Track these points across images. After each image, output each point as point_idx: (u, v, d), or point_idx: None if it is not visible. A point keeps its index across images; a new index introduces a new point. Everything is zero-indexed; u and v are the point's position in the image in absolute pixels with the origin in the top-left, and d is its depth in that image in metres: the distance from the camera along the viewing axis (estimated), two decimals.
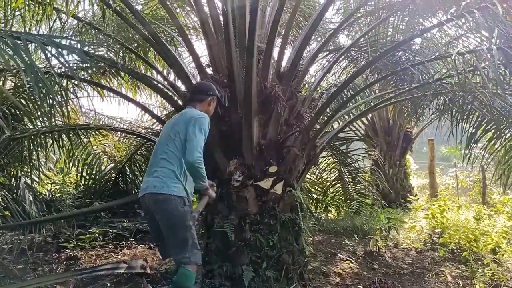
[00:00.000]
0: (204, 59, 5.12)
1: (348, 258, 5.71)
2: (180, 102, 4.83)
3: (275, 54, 4.79)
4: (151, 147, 7.31)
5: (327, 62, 6.92)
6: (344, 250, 6.15)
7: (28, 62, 2.30)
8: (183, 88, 4.94)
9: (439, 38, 6.51)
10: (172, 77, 6.61)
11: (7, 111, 6.43)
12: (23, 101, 6.77)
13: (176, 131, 3.36)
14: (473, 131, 5.13)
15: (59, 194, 7.15)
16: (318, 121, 5.01)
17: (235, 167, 4.24)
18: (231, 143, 4.35)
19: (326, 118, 5.12)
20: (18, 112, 6.83)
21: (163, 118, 6.53)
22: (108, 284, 4.08)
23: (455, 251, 6.07)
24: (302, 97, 4.81)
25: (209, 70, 4.80)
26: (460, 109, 5.30)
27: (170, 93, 5.09)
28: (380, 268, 5.41)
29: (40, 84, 5.09)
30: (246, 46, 3.90)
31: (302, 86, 5.03)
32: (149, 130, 7.74)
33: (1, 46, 2.22)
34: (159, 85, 5.01)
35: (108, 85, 6.38)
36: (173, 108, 5.06)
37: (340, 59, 6.47)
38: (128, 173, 7.50)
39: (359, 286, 4.66)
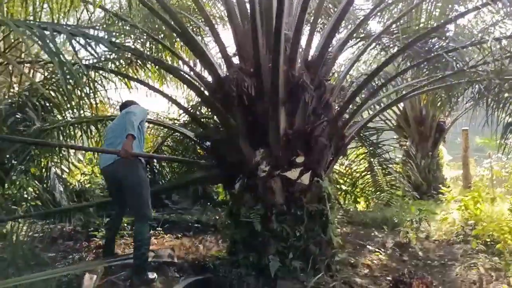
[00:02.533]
0: (231, 49, 5.09)
1: (377, 250, 5.60)
2: (206, 93, 4.80)
3: (303, 42, 4.71)
4: (177, 138, 7.34)
5: (357, 50, 6.77)
6: (373, 242, 6.03)
7: (55, 52, 2.29)
8: (209, 78, 4.91)
9: (474, 24, 6.28)
10: (198, 67, 6.59)
11: (37, 103, 6.55)
12: (52, 93, 6.89)
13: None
14: (510, 120, 4.92)
15: (89, 185, 7.26)
16: (347, 111, 4.91)
17: (262, 157, 4.21)
18: (257, 134, 4.31)
19: (356, 108, 5.00)
20: (48, 104, 6.95)
21: (189, 109, 6.54)
22: None
23: (489, 243, 5.86)
24: (330, 86, 4.70)
25: (236, 60, 4.77)
26: (496, 97, 5.10)
27: (196, 84, 5.08)
28: (410, 260, 5.29)
29: (68, 76, 5.18)
30: (273, 33, 3.82)
31: (331, 74, 4.92)
32: (176, 121, 7.74)
33: (29, 35, 2.21)
34: (186, 76, 4.99)
35: (135, 77, 6.40)
36: (199, 99, 5.03)
37: (371, 47, 6.30)
38: (155, 163, 7.53)
39: (388, 278, 4.56)
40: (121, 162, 4.02)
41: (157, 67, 7.02)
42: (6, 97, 6.76)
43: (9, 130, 6.26)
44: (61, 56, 2.24)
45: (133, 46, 5.68)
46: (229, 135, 4.28)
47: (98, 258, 4.59)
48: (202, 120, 5.76)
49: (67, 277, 3.72)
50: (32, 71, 7.45)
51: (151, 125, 8.09)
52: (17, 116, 6.38)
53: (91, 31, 3.35)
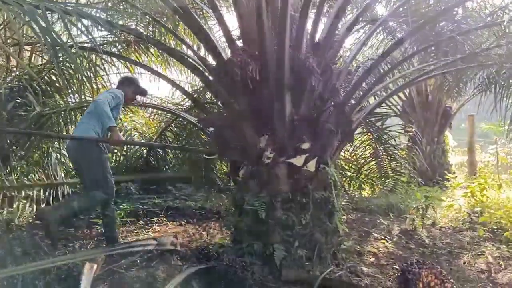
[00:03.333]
0: (235, 33, 4.94)
1: (383, 237, 5.53)
2: (210, 77, 4.66)
3: (309, 25, 4.54)
4: (181, 123, 7.23)
5: (363, 34, 6.60)
6: (379, 229, 5.95)
7: (47, 31, 2.16)
8: (213, 62, 4.77)
9: (483, 7, 6.09)
10: (202, 52, 6.45)
11: (38, 88, 6.45)
12: (53, 77, 6.78)
13: None
14: None
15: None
16: (354, 96, 4.77)
17: (266, 143, 4.09)
18: (262, 119, 4.18)
19: (362, 93, 4.86)
20: (49, 88, 6.85)
21: (193, 94, 6.40)
22: (138, 261, 4.03)
23: (496, 231, 5.80)
24: (337, 70, 4.56)
25: (240, 44, 4.62)
26: (506, 82, 4.95)
27: (200, 68, 4.94)
28: (416, 248, 5.22)
29: (65, 58, 5.02)
30: (279, 14, 3.67)
31: (337, 59, 4.77)
32: (179, 106, 7.63)
33: (18, 13, 2.08)
34: (189, 59, 4.83)
35: (137, 61, 6.27)
36: (203, 84, 4.89)
37: (378, 30, 6.13)
38: (158, 149, 7.45)
39: (395, 266, 4.49)
40: (77, 142, 4.34)
41: (160, 51, 6.89)
42: (7, 80, 6.65)
43: (9, 115, 6.18)
44: (54, 36, 2.10)
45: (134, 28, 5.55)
46: (232, 121, 4.16)
47: (99, 246, 4.53)
48: (205, 105, 5.64)
49: (67, 266, 3.65)
50: (33, 54, 7.32)
51: (154, 110, 8.00)
52: (18, 100, 6.29)
53: (88, 11, 3.21)
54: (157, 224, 5.63)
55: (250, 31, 4.31)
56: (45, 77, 6.73)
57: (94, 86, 6.29)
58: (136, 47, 6.96)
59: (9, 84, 6.58)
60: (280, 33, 3.74)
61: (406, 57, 5.49)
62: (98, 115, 4.23)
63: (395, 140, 8.21)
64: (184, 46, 6.40)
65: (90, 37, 2.80)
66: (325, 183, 4.25)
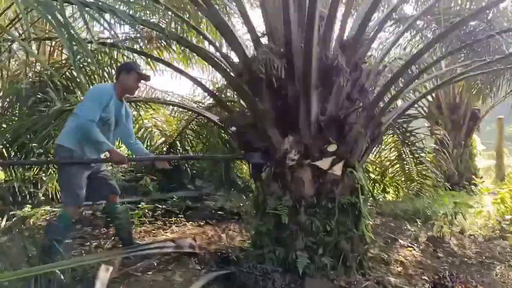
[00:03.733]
0: (260, 29, 4.75)
1: (409, 245, 5.30)
2: (232, 74, 4.49)
3: (337, 23, 4.35)
4: (202, 121, 7.09)
5: (392, 34, 6.38)
6: (405, 236, 5.72)
7: (63, 25, 2.01)
8: (236, 59, 4.60)
9: None
10: (224, 49, 6.31)
11: (59, 83, 6.39)
12: (75, 73, 6.71)
13: None
14: None
15: (110, 168, 7.08)
16: (383, 97, 4.55)
17: (291, 145, 3.90)
18: (287, 119, 3.99)
19: (392, 95, 4.63)
20: (71, 84, 6.79)
21: (214, 92, 6.23)
22: (155, 264, 3.90)
23: None
24: (367, 70, 4.35)
25: (265, 41, 4.45)
26: None
27: (222, 65, 4.78)
28: (445, 257, 4.98)
29: (84, 54, 4.89)
30: (307, 9, 3.48)
31: (367, 57, 4.55)
32: (200, 104, 7.49)
33: (33, 4, 1.94)
34: (211, 56, 4.66)
35: (159, 57, 6.15)
36: (224, 81, 4.72)
37: (408, 31, 5.89)
38: (178, 147, 7.34)
39: (424, 277, 4.26)
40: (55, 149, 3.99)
41: (182, 48, 6.76)
42: (28, 75, 6.61)
43: (29, 111, 6.13)
44: (71, 30, 1.95)
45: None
46: (256, 120, 3.97)
47: (116, 246, 4.41)
48: (227, 103, 5.48)
49: (82, 268, 3.53)
50: (53, 49, 7.27)
51: (175, 108, 7.89)
52: (38, 95, 6.24)
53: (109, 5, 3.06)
54: (175, 225, 5.50)
55: (276, 27, 4.15)
56: (67, 73, 6.68)
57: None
58: (158, 44, 6.87)
59: (30, 79, 6.55)
60: (308, 30, 3.54)
61: (440, 57, 5.22)
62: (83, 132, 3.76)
63: (422, 143, 7.93)
64: (206, 43, 6.28)
65: (110, 30, 2.65)
66: (352, 188, 4.04)
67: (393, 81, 4.26)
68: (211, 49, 5.65)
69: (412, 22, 5.24)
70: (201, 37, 6.05)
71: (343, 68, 3.80)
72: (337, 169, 3.95)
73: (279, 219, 3.79)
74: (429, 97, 11.30)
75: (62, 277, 3.31)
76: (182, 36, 5.43)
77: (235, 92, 4.53)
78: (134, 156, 4.62)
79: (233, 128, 4.62)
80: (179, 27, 6.51)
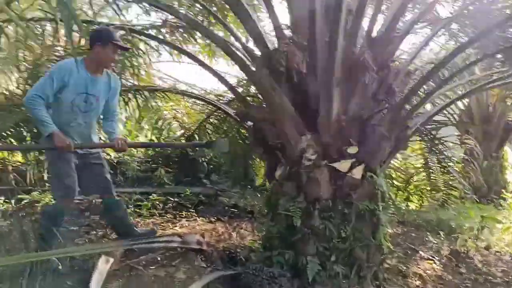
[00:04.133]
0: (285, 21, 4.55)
1: (430, 258, 5.01)
2: (253, 68, 4.29)
3: (366, 19, 4.09)
4: (221, 116, 6.94)
5: (422, 35, 6.09)
6: (427, 248, 5.41)
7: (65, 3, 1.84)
8: (256, 51, 4.41)
9: None
10: (251, 45, 6.16)
11: None
12: None
13: None
14: None
15: (127, 157, 6.99)
16: (411, 100, 4.29)
17: (308, 144, 3.67)
18: (305, 116, 3.78)
19: (423, 97, 4.35)
20: None
21: (234, 87, 6.05)
22: (159, 258, 3.74)
23: None
24: (395, 69, 4.09)
25: (289, 33, 4.24)
26: None
27: (244, 58, 4.59)
28: (468, 273, 4.67)
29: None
30: (334, 0, 3.25)
31: (396, 57, 4.29)
32: (221, 97, 7.34)
33: None
34: (228, 45, 4.42)
35: (180, 47, 6.00)
36: (244, 74, 4.51)
37: (439, 33, 5.58)
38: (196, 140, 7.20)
39: None
40: None
41: (207, 41, 6.62)
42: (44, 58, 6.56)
43: None
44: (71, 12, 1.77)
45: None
46: (273, 115, 3.77)
47: (122, 238, 4.28)
48: (246, 98, 5.30)
49: (82, 257, 3.42)
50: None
51: (196, 101, 7.77)
52: None
53: None
54: (185, 219, 5.34)
55: (301, 19, 3.92)
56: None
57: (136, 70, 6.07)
58: (183, 34, 6.76)
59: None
60: (334, 22, 3.31)
61: (474, 61, 4.90)
62: None
63: (451, 152, 7.60)
64: (232, 38, 6.11)
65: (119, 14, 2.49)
66: (372, 194, 3.79)
67: (422, 83, 3.99)
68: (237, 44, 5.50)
69: (446, 24, 4.96)
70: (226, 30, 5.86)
71: (370, 65, 3.56)
72: (357, 173, 3.71)
73: (291, 221, 3.58)
74: (461, 105, 10.87)
75: (59, 266, 3.20)
76: (198, 22, 5.19)
77: (253, 85, 4.31)
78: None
79: (250, 123, 4.44)
80: (205, 20, 6.36)
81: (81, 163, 3.61)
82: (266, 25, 6.22)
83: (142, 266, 3.55)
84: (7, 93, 7.30)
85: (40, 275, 2.94)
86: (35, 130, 5.08)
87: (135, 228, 4.13)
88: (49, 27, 5.96)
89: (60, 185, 3.45)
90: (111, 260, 3.33)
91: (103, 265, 3.22)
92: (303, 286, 3.51)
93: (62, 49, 7.23)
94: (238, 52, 4.32)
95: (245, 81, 6.88)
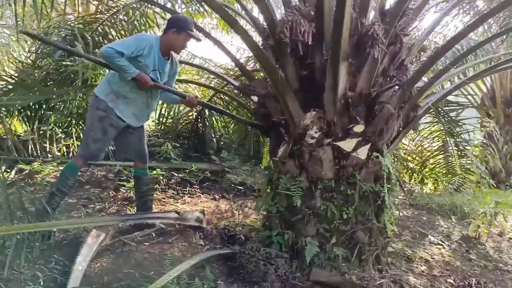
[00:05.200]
0: None
1: (440, 242, 4.83)
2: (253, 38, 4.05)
3: None
4: (231, 90, 6.78)
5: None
6: (437, 232, 5.24)
7: None
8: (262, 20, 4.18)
9: None
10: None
11: (89, 38, 6.22)
12: (106, 28, 6.55)
13: None
14: None
15: None
16: (424, 77, 4.04)
17: (312, 120, 3.48)
18: (310, 92, 3.59)
19: (436, 74, 4.08)
20: (102, 40, 6.63)
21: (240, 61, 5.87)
22: (154, 235, 3.65)
23: None
24: (408, 43, 3.85)
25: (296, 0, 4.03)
26: None
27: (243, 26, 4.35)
28: (478, 260, 4.48)
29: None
30: None
31: (410, 30, 4.02)
32: (231, 73, 7.16)
33: None
34: (230, 14, 4.15)
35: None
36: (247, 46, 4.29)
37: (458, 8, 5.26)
38: (206, 116, 7.07)
39: (449, 280, 3.82)
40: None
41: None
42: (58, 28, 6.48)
43: (55, 64, 6.02)
44: None
45: None
46: (276, 90, 3.58)
47: (120, 212, 4.20)
48: (253, 72, 5.10)
49: (76, 230, 3.34)
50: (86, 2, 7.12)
51: (210, 76, 7.63)
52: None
53: None
54: (188, 195, 5.23)
55: None
56: (99, 28, 6.51)
57: None
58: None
59: (61, 32, 6.43)
60: None
61: (491, 36, 4.56)
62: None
63: (468, 135, 7.31)
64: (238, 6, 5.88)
65: None
66: (377, 175, 3.61)
67: (435, 58, 3.72)
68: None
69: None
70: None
71: (379, 38, 3.33)
72: (362, 153, 3.54)
73: (291, 201, 3.45)
74: (483, 87, 10.47)
75: (50, 238, 3.13)
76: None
77: (256, 58, 4.08)
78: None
79: (255, 98, 4.27)
80: None
81: (125, 128, 3.74)
82: None
83: (135, 243, 3.46)
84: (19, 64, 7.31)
85: (27, 247, 2.87)
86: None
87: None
88: None
89: (85, 146, 3.63)
90: (103, 234, 3.24)
91: (93, 239, 3.13)
92: (301, 268, 3.38)
93: (73, 18, 7.17)
94: (240, 22, 4.10)
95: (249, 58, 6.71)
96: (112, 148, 5.47)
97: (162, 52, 3.65)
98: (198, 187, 5.52)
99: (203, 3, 5.62)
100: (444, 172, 7.59)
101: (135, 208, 4.05)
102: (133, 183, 4.17)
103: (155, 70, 3.63)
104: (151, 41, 3.57)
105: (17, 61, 7.69)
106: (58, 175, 3.77)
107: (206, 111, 7.02)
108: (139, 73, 3.46)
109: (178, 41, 3.64)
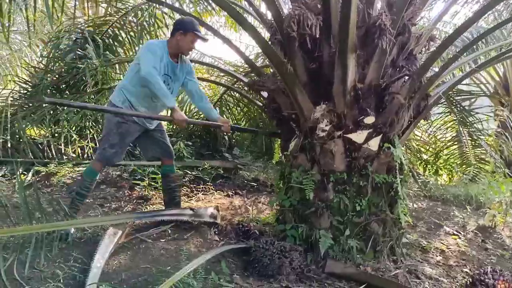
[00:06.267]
0: None
1: (455, 232, 4.81)
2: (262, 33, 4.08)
3: None
4: (243, 88, 6.80)
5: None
6: (452, 222, 5.21)
7: None
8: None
9: None
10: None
11: (100, 40, 6.30)
12: (116, 30, 6.62)
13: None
14: None
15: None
16: (434, 66, 4.02)
17: (322, 114, 3.49)
18: (319, 85, 3.61)
19: (445, 63, 4.06)
20: (113, 43, 6.70)
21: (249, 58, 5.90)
22: (169, 231, 3.69)
23: None
24: (416, 33, 3.84)
25: None
26: None
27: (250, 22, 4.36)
28: (494, 249, 4.46)
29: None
30: None
31: (418, 19, 4.01)
32: (241, 70, 7.17)
33: None
34: (237, 11, 4.17)
35: (200, 18, 5.87)
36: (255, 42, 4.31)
37: None
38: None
39: (465, 269, 3.81)
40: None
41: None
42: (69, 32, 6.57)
43: (67, 66, 6.11)
44: None
45: None
46: (285, 84, 3.59)
47: (136, 210, 4.26)
48: (262, 68, 5.11)
49: (93, 229, 3.40)
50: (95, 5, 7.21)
51: (221, 74, 7.66)
52: (78, 52, 6.21)
53: None
54: (202, 193, 5.27)
55: None
56: (108, 30, 6.58)
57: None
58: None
59: (72, 36, 6.51)
60: None
61: (499, 23, 4.49)
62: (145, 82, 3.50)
63: (482, 124, 7.24)
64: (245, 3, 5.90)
65: None
66: (389, 166, 3.63)
67: (444, 47, 3.70)
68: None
69: None
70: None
71: (387, 28, 3.32)
72: (373, 144, 3.54)
73: (304, 194, 3.46)
74: (496, 75, 10.33)
75: (68, 237, 3.19)
76: None
77: (266, 54, 4.10)
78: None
79: (265, 94, 4.29)
80: None
81: (144, 131, 3.83)
82: None
83: (151, 239, 3.51)
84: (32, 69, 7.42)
85: (46, 246, 2.93)
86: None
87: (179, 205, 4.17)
88: None
89: (102, 151, 3.68)
90: (119, 232, 3.30)
91: (110, 237, 3.18)
92: (316, 261, 3.41)
93: (83, 21, 7.25)
94: (248, 18, 4.12)
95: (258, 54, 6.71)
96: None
97: (171, 55, 3.70)
98: (211, 184, 5.55)
99: (211, 2, 5.62)
100: (458, 162, 7.54)
101: (164, 204, 4.15)
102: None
103: (165, 74, 3.67)
104: (161, 46, 3.63)
105: (29, 65, 7.81)
106: (75, 177, 3.83)
107: (217, 108, 7.04)
108: (176, 108, 3.61)
109: (186, 42, 3.66)
